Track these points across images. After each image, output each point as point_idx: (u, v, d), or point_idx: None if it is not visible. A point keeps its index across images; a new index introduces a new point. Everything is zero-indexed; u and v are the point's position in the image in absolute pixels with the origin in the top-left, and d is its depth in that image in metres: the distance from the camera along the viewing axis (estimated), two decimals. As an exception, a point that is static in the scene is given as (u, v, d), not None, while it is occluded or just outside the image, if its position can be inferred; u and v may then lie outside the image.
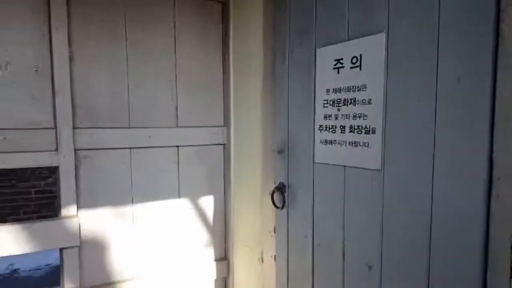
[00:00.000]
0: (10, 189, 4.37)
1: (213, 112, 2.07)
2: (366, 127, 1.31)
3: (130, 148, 1.85)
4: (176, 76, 1.95)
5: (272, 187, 1.71)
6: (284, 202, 1.66)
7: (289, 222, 1.68)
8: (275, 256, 1.80)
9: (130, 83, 1.84)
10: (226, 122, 2.07)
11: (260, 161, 1.84)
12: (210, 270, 2.08)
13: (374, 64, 1.27)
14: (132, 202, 1.87)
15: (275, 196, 1.69)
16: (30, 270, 3.83)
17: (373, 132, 1.28)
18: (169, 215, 1.97)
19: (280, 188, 1.67)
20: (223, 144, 2.09)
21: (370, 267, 1.33)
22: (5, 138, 1.58)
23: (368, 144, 1.30)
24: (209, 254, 2.10)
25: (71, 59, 1.68)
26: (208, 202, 2.08)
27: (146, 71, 1.87)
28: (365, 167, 1.31)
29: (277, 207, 1.69)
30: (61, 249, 1.70)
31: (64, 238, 1.67)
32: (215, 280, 2.11)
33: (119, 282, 1.85)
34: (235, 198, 2.05)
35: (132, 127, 1.85)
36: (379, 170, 1.27)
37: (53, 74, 1.65)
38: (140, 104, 1.87)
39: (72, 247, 1.70)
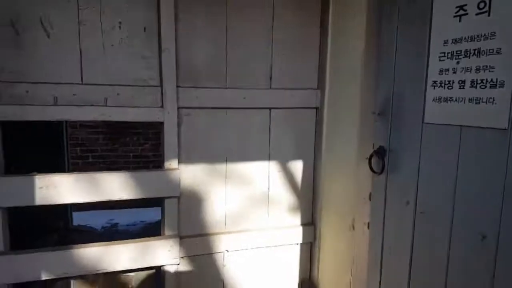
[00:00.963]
0: (117, 142, 4.75)
1: (307, 75, 2.02)
2: (492, 80, 1.15)
3: (226, 108, 1.91)
4: (272, 37, 1.94)
5: (369, 151, 1.63)
6: (383, 167, 1.57)
7: (387, 188, 1.58)
8: (368, 223, 1.73)
9: (228, 44, 1.87)
10: (321, 85, 2.01)
11: (356, 125, 1.76)
12: (295, 234, 2.08)
13: (508, 7, 1.10)
14: (226, 161, 1.94)
15: (373, 161, 1.60)
16: (127, 225, 4.29)
17: (501, 85, 1.12)
18: (258, 176, 2.01)
19: (379, 152, 1.58)
20: (316, 108, 2.04)
21: (483, 237, 1.19)
22: (118, 94, 1.73)
23: (493, 100, 1.15)
24: (296, 218, 2.11)
25: (176, 20, 1.76)
26: (297, 166, 2.07)
27: (243, 32, 1.89)
28: (488, 126, 1.17)
29: (374, 172, 1.61)
30: (163, 199, 1.84)
31: (166, 188, 1.80)
32: (301, 244, 2.11)
33: (211, 234, 1.95)
34: (326, 163, 2.00)
35: (228, 88, 1.90)
36: (505, 129, 1.12)
37: (160, 34, 1.75)
38: (236, 65, 1.90)
39: (173, 197, 1.83)
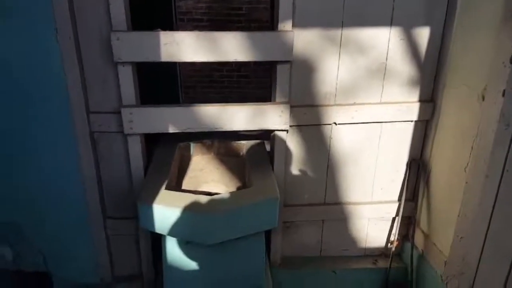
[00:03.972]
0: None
1: None
2: None
3: (345, -37, 1.71)
4: None
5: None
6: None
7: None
8: (504, 91, 1.52)
9: None
10: None
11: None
12: (411, 110, 1.94)
13: None
14: (342, 26, 1.80)
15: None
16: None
17: None
18: (376, 45, 1.85)
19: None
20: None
21: None
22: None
23: None
24: (413, 93, 1.94)
25: None
26: (422, 33, 1.84)
27: None
28: None
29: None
30: (275, 63, 1.82)
31: (279, 52, 1.75)
32: (416, 122, 1.99)
33: (320, 106, 1.92)
34: (458, 27, 1.75)
35: None
36: None
37: None
38: None
39: (285, 62, 1.80)
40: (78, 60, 1.69)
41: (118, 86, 1.75)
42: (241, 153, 2.19)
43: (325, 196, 2.13)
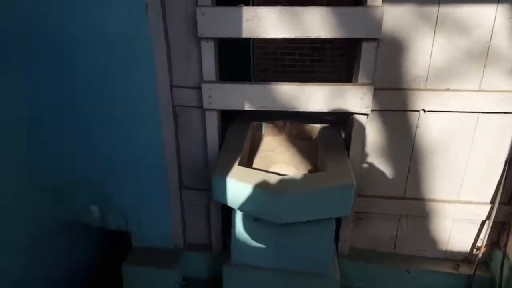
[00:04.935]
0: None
1: None
2: None
3: None
4: None
5: None
6: None
7: None
8: None
9: None
10: None
11: None
12: None
13: None
14: (439, 2, 1.61)
15: None
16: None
17: None
18: (478, 24, 1.62)
19: None
20: None
21: None
22: None
23: None
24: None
25: None
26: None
27: None
28: None
29: None
30: (360, 40, 1.70)
31: (366, 28, 1.63)
32: None
33: (408, 90, 1.76)
34: None
35: None
36: None
37: None
38: None
39: (371, 39, 1.67)
40: (165, 35, 1.76)
41: (200, 62, 1.80)
42: (313, 136, 2.12)
43: (404, 189, 1.97)
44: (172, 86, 1.87)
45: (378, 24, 1.61)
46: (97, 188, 2.18)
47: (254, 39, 3.53)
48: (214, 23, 1.67)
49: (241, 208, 1.71)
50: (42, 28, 1.81)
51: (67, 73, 1.90)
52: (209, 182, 2.06)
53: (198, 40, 1.75)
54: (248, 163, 1.93)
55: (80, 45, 1.82)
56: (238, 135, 2.00)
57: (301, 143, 2.10)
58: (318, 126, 2.08)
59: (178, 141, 2.02)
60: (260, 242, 1.91)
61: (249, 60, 3.32)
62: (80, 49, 1.83)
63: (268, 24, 1.66)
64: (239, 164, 1.73)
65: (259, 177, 1.61)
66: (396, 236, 2.09)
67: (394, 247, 2.12)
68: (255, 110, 1.84)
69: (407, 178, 1.95)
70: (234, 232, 1.92)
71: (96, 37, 1.80)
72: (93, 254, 2.65)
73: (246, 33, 1.68)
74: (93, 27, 1.78)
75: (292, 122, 2.14)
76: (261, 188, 1.57)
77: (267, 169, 1.87)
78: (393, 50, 1.71)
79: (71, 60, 1.86)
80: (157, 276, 2.17)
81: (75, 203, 2.22)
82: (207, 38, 1.72)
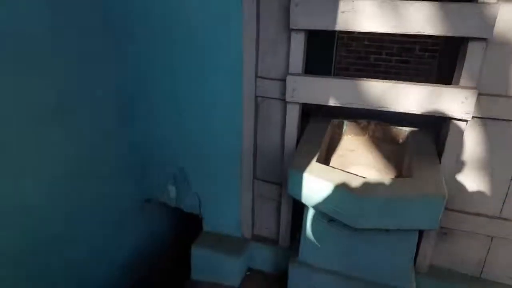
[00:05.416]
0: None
1: None
2: None
3: None
4: None
5: None
6: None
7: None
8: None
9: None
10: None
11: None
12: None
13: None
14: None
15: None
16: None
17: None
18: None
19: None
20: None
21: None
22: None
23: None
24: None
25: None
26: None
27: None
28: None
29: None
30: (466, 40, 1.53)
31: (476, 26, 1.46)
32: None
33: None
34: None
35: None
36: None
37: None
38: None
39: (480, 39, 1.49)
40: (256, 25, 1.77)
41: (288, 53, 1.77)
42: (400, 140, 1.98)
43: (501, 208, 1.75)
44: (256, 77, 1.88)
45: (490, 23, 1.44)
46: (176, 169, 2.28)
47: (339, 35, 3.43)
48: (308, 14, 1.63)
49: (315, 206, 1.66)
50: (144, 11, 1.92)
51: (161, 57, 2.00)
52: (282, 176, 2.04)
53: (289, 31, 1.72)
54: (325, 161, 1.86)
55: (178, 33, 1.91)
56: (317, 131, 1.94)
57: (385, 146, 1.97)
58: (406, 129, 1.94)
59: (256, 132, 2.02)
60: (331, 244, 1.84)
61: (331, 57, 3.24)
62: (177, 34, 1.91)
63: (364, 17, 1.57)
64: (317, 161, 1.69)
65: (339, 176, 1.54)
66: (485, 260, 1.87)
67: (481, 272, 1.90)
68: (336, 108, 1.77)
69: (506, 196, 1.73)
70: (305, 230, 1.88)
71: (190, 21, 1.86)
72: (167, 231, 2.80)
73: (340, 26, 1.62)
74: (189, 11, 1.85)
75: (377, 122, 2.02)
76: (341, 188, 1.50)
77: (344, 170, 1.79)
78: (504, 52, 1.52)
79: (167, 45, 1.96)
80: (223, 262, 2.21)
81: (156, 181, 2.36)
82: (298, 30, 1.69)
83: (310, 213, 1.81)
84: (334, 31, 3.06)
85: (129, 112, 2.16)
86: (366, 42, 4.30)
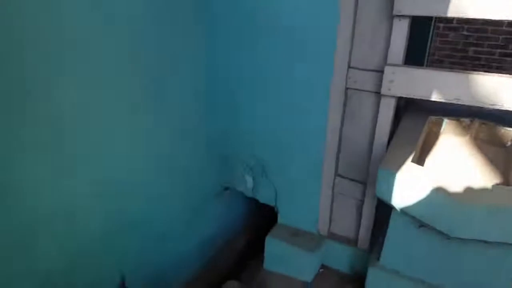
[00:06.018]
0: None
1: None
2: None
3: None
4: None
5: None
6: None
7: None
8: None
9: None
10: None
11: None
12: None
13: None
14: None
15: None
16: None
17: None
18: None
19: None
20: None
21: None
22: None
23: None
24: None
25: None
26: None
27: None
28: None
29: None
30: None
31: None
32: None
33: None
34: None
35: None
36: None
37: None
38: None
39: None
40: (354, 12, 1.66)
41: (388, 42, 1.64)
42: (508, 143, 1.74)
43: None
44: (349, 67, 1.77)
45: None
46: (255, 160, 2.28)
47: (435, 24, 3.14)
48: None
49: (406, 209, 1.53)
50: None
51: (247, 44, 1.97)
52: (368, 176, 1.93)
53: (391, 18, 1.59)
54: (420, 161, 1.71)
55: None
56: (412, 129, 1.78)
57: (490, 148, 1.75)
58: (517, 131, 1.70)
59: (343, 126, 1.92)
60: (419, 251, 1.70)
61: (425, 48, 2.97)
62: (264, 19, 1.88)
63: (483, 3, 1.38)
64: (412, 161, 1.55)
65: (436, 179, 1.40)
66: None
67: None
68: (428, 104, 1.60)
69: None
70: (390, 234, 1.75)
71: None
72: (242, 219, 2.85)
73: (451, 12, 1.44)
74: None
75: (482, 121, 1.80)
76: (438, 192, 1.36)
77: (443, 173, 1.63)
78: None
79: (253, 31, 1.93)
80: (297, 256, 2.17)
81: (235, 171, 2.38)
82: (401, 16, 1.55)
83: (398, 216, 1.68)
84: (431, 19, 2.82)
85: (215, 103, 2.18)
86: (464, 33, 3.88)
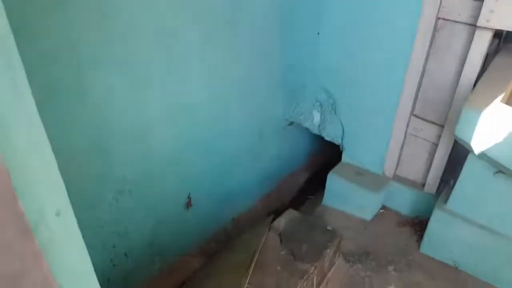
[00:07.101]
0: None
1: None
2: None
3: None
4: None
5: None
6: None
7: None
8: None
9: None
10: None
11: None
12: None
13: None
14: None
15: None
16: None
17: None
18: None
19: None
20: None
21: None
22: None
23: None
24: None
25: None
26: None
27: None
28: None
29: None
30: None
31: None
32: None
33: None
34: None
35: None
36: None
37: None
38: None
39: None
40: None
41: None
42: None
43: None
44: (442, -5, 1.62)
45: None
46: (325, 96, 2.24)
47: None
48: None
49: (487, 152, 1.44)
50: None
51: None
52: (448, 117, 1.81)
53: None
54: (509, 102, 1.57)
55: None
56: (504, 67, 1.62)
57: None
58: None
59: (427, 61, 1.79)
60: (492, 198, 1.63)
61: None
62: None
63: None
64: (502, 101, 1.43)
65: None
66: None
67: None
68: None
69: None
70: (463, 178, 1.68)
71: None
72: (304, 157, 2.90)
73: None
74: None
75: None
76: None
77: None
78: None
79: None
80: (359, 195, 2.18)
81: (303, 107, 2.37)
82: None
83: (473, 160, 1.60)
84: None
85: (288, 37, 2.12)
86: None
